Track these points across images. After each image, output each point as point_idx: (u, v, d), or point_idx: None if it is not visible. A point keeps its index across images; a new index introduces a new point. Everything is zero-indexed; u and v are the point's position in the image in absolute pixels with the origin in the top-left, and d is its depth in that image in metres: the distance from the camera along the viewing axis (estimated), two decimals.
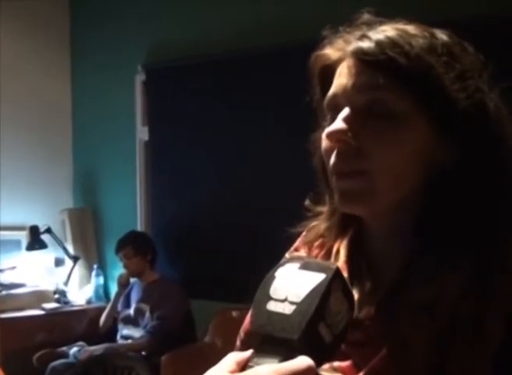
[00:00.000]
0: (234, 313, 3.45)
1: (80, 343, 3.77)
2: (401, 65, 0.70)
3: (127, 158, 4.33)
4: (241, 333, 0.93)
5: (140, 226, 4.26)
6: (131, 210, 4.30)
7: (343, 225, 0.82)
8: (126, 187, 4.35)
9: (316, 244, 0.87)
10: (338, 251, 0.82)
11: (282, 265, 0.69)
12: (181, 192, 3.97)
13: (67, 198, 4.71)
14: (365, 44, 0.72)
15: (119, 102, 4.39)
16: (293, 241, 0.91)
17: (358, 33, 0.75)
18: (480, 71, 0.74)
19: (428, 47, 0.72)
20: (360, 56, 0.72)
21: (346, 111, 0.73)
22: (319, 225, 0.86)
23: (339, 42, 0.77)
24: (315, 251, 0.86)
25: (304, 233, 0.89)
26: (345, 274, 0.78)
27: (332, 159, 0.74)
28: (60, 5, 4.70)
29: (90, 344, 3.71)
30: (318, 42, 0.80)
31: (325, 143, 0.76)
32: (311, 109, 0.83)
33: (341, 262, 0.80)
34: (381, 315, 0.72)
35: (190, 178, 3.92)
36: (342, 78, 0.75)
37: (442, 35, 0.74)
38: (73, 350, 3.65)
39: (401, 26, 0.75)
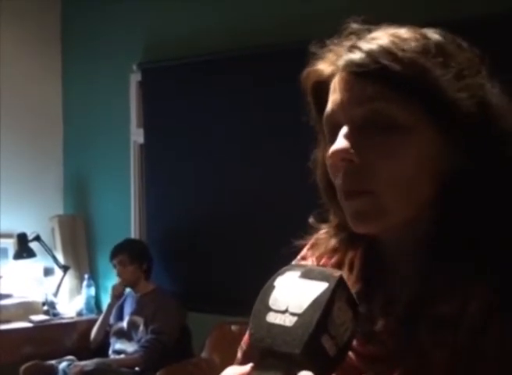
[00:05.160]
0: (233, 327, 3.45)
1: (70, 357, 3.76)
2: (395, 72, 0.70)
3: (121, 162, 4.33)
4: (243, 345, 0.92)
5: (134, 234, 4.26)
6: (125, 217, 4.30)
7: (355, 239, 0.83)
8: (120, 192, 4.34)
9: (326, 255, 0.87)
10: (351, 263, 0.82)
11: (282, 273, 0.68)
12: (178, 198, 3.97)
13: (57, 204, 4.70)
14: (356, 56, 0.72)
15: (112, 103, 4.40)
16: (297, 252, 0.92)
17: (348, 43, 0.75)
18: (478, 67, 0.74)
19: (422, 49, 0.72)
20: (351, 69, 0.73)
21: (345, 128, 0.73)
22: (327, 239, 0.86)
23: (330, 56, 0.77)
24: (324, 261, 0.86)
25: (311, 242, 0.89)
26: (359, 286, 0.78)
27: (339, 179, 0.75)
28: (51, 1, 4.71)
29: (80, 358, 3.69)
30: (315, 42, 0.81)
31: (330, 161, 0.76)
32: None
33: (355, 274, 0.81)
34: (399, 329, 0.72)
35: (187, 183, 3.92)
36: (337, 94, 0.75)
37: (434, 35, 0.75)
38: (63, 365, 3.63)
39: (392, 30, 0.75)
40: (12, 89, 4.46)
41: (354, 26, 0.78)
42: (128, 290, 3.90)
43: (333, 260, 0.85)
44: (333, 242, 0.85)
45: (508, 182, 0.72)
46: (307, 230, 0.89)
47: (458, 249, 0.71)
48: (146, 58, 4.16)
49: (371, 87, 0.71)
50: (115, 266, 3.83)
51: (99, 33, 4.49)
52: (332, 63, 0.77)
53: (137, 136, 4.27)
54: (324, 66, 0.78)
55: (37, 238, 4.26)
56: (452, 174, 0.72)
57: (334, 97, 0.75)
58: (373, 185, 0.72)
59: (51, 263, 4.40)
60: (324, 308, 0.62)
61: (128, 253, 3.80)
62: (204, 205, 3.86)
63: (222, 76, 3.75)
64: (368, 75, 0.71)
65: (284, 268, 0.69)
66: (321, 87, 0.78)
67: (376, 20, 0.79)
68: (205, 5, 3.91)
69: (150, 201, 4.17)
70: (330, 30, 0.81)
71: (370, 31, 0.76)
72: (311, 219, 0.88)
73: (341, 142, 0.73)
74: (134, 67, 4.19)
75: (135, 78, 4.26)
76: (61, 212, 4.68)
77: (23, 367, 3.59)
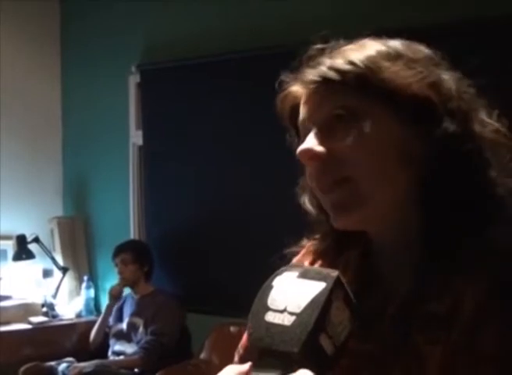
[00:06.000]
0: (232, 328, 3.44)
1: (69, 359, 3.76)
2: (347, 70, 0.75)
3: (120, 164, 4.33)
4: (240, 349, 0.93)
5: (133, 236, 4.25)
6: (124, 219, 4.30)
7: (340, 245, 0.84)
8: (119, 194, 4.34)
9: (319, 260, 0.88)
10: (347, 263, 0.83)
11: (280, 273, 0.69)
12: (177, 200, 3.97)
13: (56, 205, 4.70)
14: (319, 70, 0.77)
15: (111, 105, 4.40)
16: (293, 255, 0.93)
17: (315, 61, 0.79)
18: (435, 61, 0.78)
19: (376, 52, 0.77)
20: (315, 81, 0.77)
21: (312, 131, 0.78)
22: (317, 247, 0.88)
23: (299, 77, 0.81)
24: (319, 262, 0.87)
25: (304, 251, 0.91)
26: (353, 286, 0.79)
27: (314, 179, 0.78)
28: (49, 3, 4.72)
29: (79, 360, 3.69)
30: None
31: (307, 170, 0.80)
32: None
33: (350, 273, 0.81)
34: (394, 328, 0.73)
35: (186, 185, 3.92)
36: (305, 105, 0.80)
37: (394, 42, 0.79)
38: (62, 366, 3.63)
39: (358, 43, 0.80)
40: (11, 91, 4.46)
41: (317, 47, 0.82)
42: (127, 291, 3.90)
43: (327, 262, 0.85)
44: (322, 249, 0.87)
45: (472, 168, 0.73)
46: (303, 236, 0.90)
47: (449, 247, 0.72)
48: (145, 59, 4.16)
49: (329, 88, 0.76)
50: (116, 265, 3.83)
51: (98, 34, 4.48)
52: (302, 82, 0.80)
53: (136, 138, 4.27)
54: (296, 88, 0.82)
55: (36, 240, 4.26)
56: (426, 167, 0.73)
57: (303, 107, 0.80)
58: (347, 171, 0.75)
59: (50, 265, 4.40)
60: (322, 307, 0.63)
61: (131, 252, 3.81)
62: (203, 207, 3.86)
63: (221, 78, 3.75)
64: (326, 80, 0.76)
65: (282, 268, 0.70)
66: (298, 110, 0.82)
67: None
68: (204, 6, 3.91)
69: (149, 203, 4.17)
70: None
71: (335, 48, 0.80)
72: (305, 241, 0.91)
73: (307, 142, 0.77)
74: (133, 69, 4.19)
75: (134, 79, 4.26)
76: (60, 213, 4.68)
77: (22, 368, 3.59)
